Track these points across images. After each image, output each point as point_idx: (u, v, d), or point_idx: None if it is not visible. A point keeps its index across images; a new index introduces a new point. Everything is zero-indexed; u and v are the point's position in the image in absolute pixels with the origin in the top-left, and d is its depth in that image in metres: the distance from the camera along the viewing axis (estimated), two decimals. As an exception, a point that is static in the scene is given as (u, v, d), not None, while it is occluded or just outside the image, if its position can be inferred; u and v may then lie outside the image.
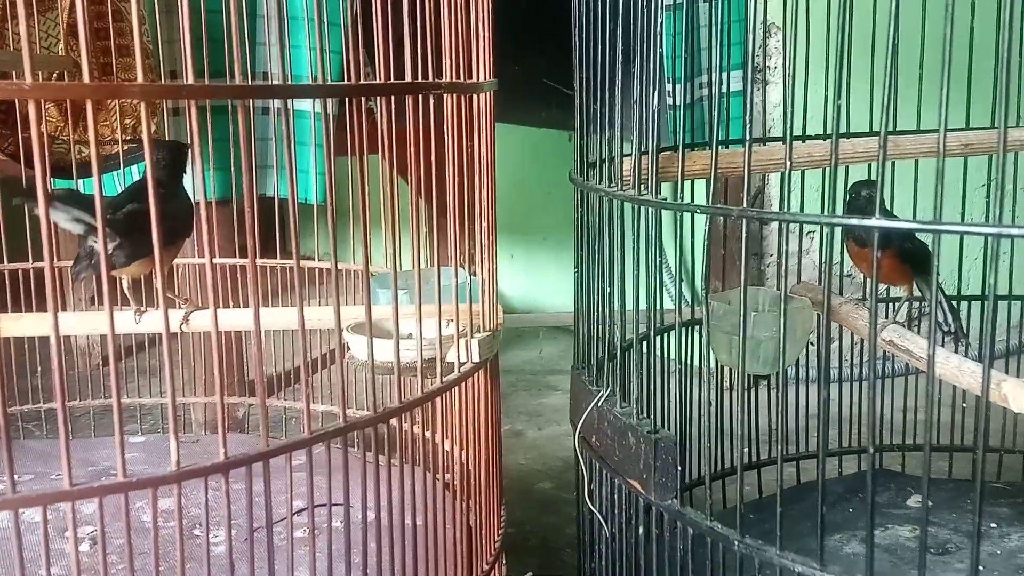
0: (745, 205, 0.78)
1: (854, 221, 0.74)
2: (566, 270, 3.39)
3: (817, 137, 1.43)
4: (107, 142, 1.68)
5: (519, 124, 3.04)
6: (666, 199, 0.90)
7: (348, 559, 0.92)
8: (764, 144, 1.70)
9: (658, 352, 1.13)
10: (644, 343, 1.02)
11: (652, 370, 1.01)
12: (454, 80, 1.02)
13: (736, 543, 0.83)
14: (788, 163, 0.76)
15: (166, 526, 1.12)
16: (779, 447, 0.80)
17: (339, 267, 0.90)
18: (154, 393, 1.93)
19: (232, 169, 1.83)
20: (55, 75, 1.57)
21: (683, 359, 1.23)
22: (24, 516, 1.01)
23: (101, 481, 0.78)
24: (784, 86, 0.81)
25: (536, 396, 2.69)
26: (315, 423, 0.88)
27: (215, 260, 1.44)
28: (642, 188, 0.92)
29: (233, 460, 0.81)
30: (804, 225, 2.34)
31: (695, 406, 1.46)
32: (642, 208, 0.92)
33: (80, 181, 1.78)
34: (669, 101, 2.20)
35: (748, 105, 0.87)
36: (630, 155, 1.01)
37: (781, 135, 1.52)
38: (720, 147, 0.91)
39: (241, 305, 1.83)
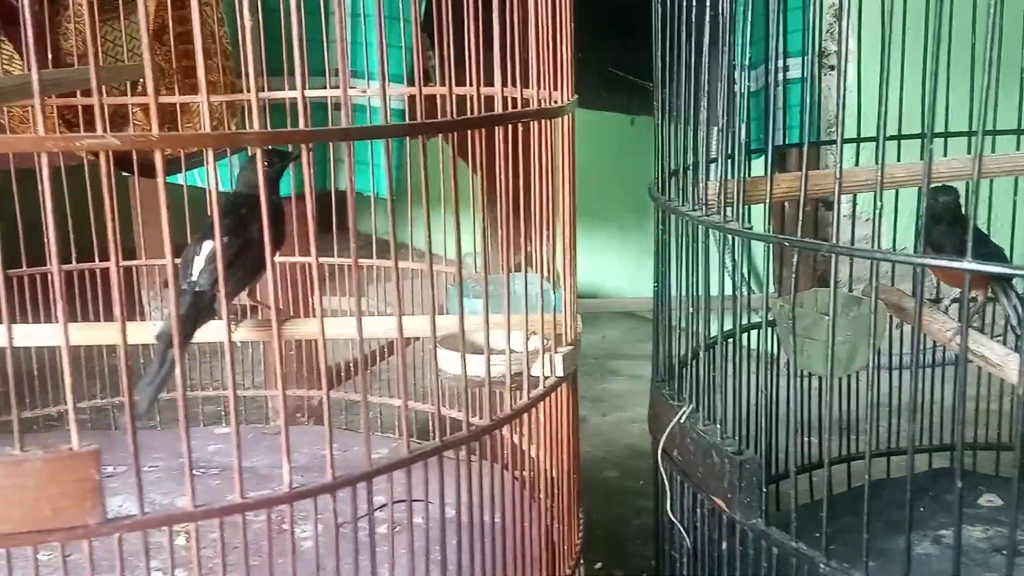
0: (835, 241, 0.80)
1: (944, 263, 0.76)
2: (626, 254, 3.41)
3: (891, 139, 1.43)
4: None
5: (580, 107, 3.05)
6: (752, 227, 0.92)
7: (444, 552, 0.96)
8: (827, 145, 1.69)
9: (734, 357, 1.15)
10: (725, 348, 1.04)
11: (730, 377, 1.03)
12: (541, 106, 1.04)
13: (822, 565, 0.86)
14: (879, 203, 0.78)
15: (256, 520, 1.17)
16: (866, 492, 0.82)
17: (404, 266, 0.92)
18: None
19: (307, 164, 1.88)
20: (140, 82, 1.62)
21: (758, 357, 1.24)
22: (122, 508, 1.07)
23: (215, 501, 0.83)
24: (881, 119, 0.81)
25: (599, 381, 2.72)
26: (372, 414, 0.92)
27: (320, 259, 1.48)
28: (727, 214, 0.94)
29: (339, 481, 0.86)
30: (865, 206, 2.32)
31: (766, 404, 1.47)
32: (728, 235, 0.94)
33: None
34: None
35: (838, 147, 0.88)
36: (711, 173, 1.03)
37: (854, 126, 1.50)
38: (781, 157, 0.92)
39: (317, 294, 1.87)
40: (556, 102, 1.10)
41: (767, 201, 0.89)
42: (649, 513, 1.94)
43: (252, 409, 2.02)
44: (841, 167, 0.85)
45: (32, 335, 1.17)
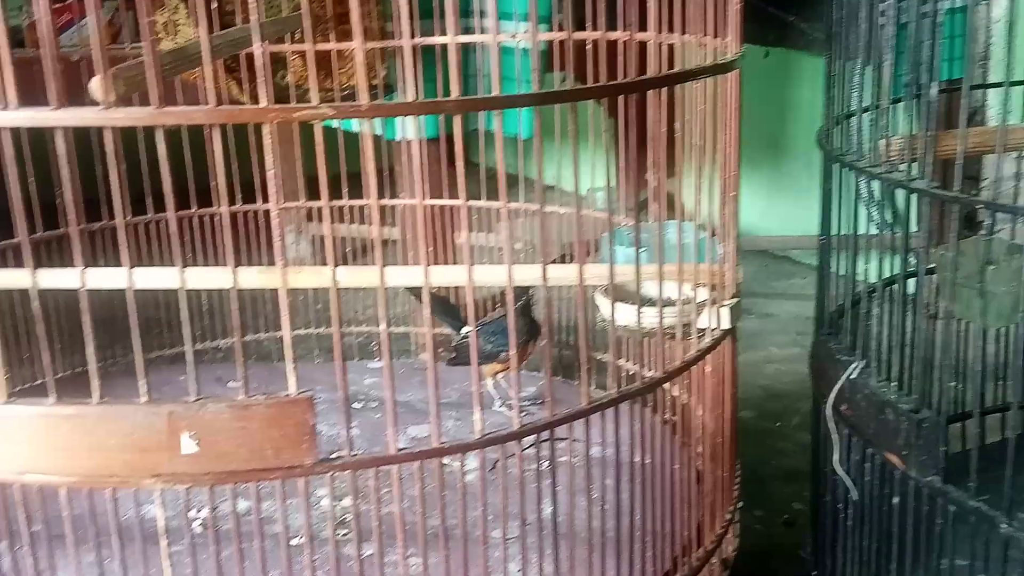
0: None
1: None
2: (757, 190, 3.34)
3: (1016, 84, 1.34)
4: (344, 88, 1.78)
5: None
6: (938, 185, 0.90)
7: (618, 493, 0.99)
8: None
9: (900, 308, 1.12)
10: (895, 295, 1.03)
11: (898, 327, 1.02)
12: (714, 62, 1.04)
13: (1003, 525, 0.86)
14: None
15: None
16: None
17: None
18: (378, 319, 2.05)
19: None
20: (292, 34, 1.66)
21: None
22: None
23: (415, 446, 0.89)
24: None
25: (729, 320, 2.70)
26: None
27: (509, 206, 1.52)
28: (911, 170, 0.93)
29: (526, 429, 0.90)
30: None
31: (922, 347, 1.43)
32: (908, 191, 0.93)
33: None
34: (882, 21, 2.12)
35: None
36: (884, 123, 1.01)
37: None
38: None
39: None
40: (725, 54, 1.09)
41: (959, 158, 0.87)
42: (787, 455, 1.95)
43: (394, 341, 2.09)
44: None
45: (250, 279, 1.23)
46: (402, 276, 1.19)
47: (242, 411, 0.81)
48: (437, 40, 1.64)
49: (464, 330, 1.54)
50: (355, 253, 2.57)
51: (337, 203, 1.80)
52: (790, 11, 2.73)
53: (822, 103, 1.17)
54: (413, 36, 1.56)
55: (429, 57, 1.75)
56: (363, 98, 0.80)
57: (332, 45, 1.71)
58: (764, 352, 2.44)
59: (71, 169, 0.76)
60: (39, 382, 1.60)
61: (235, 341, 0.82)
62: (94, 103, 0.73)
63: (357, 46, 0.80)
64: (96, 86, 0.73)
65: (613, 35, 1.29)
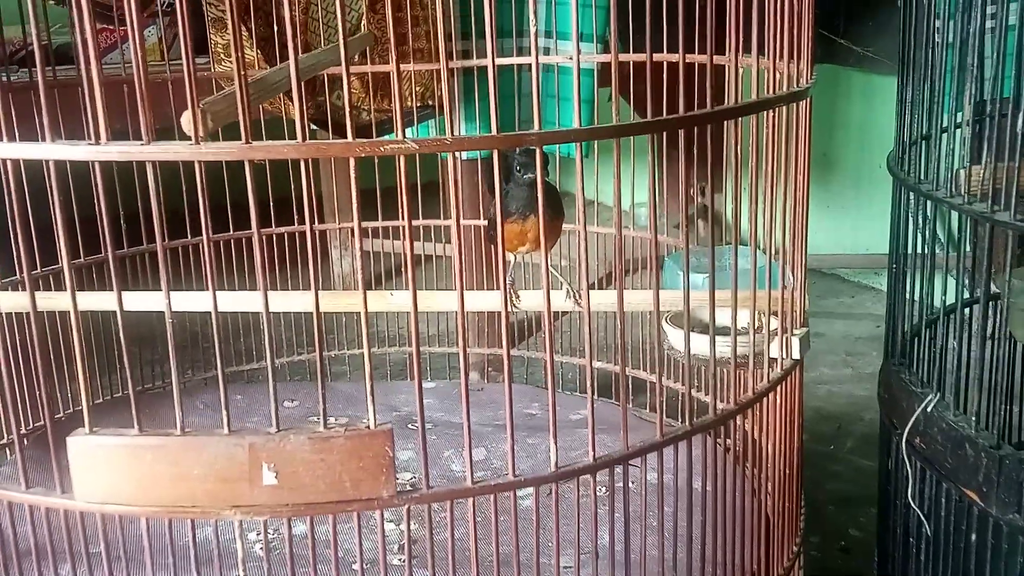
0: None
1: None
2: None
3: None
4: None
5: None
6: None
7: (691, 526, 0.98)
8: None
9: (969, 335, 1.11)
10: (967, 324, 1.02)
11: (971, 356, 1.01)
12: (787, 90, 1.03)
13: (1091, 569, 0.84)
14: None
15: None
16: None
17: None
18: (431, 339, 2.05)
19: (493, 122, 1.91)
20: (358, 55, 1.67)
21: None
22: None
23: (488, 478, 0.89)
24: None
25: (778, 339, 2.68)
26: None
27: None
28: (993, 204, 0.92)
29: (601, 462, 0.90)
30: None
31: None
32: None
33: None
34: (938, 39, 2.09)
35: None
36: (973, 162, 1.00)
37: None
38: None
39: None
40: (798, 82, 1.08)
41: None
42: (841, 479, 1.93)
43: (436, 359, 2.09)
44: None
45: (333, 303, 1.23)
46: (480, 300, 1.19)
47: (322, 443, 0.81)
48: (516, 60, 1.65)
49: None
50: (400, 269, 2.59)
51: (392, 223, 1.81)
52: (837, 31, 2.71)
53: (875, 121, 1.16)
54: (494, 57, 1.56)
55: (470, 79, 1.76)
56: (449, 135, 0.80)
57: (414, 65, 1.72)
58: (815, 373, 2.42)
59: (157, 198, 0.77)
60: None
61: (316, 361, 0.82)
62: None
63: (443, 73, 0.81)
64: (187, 121, 0.74)
65: (692, 58, 1.26)
